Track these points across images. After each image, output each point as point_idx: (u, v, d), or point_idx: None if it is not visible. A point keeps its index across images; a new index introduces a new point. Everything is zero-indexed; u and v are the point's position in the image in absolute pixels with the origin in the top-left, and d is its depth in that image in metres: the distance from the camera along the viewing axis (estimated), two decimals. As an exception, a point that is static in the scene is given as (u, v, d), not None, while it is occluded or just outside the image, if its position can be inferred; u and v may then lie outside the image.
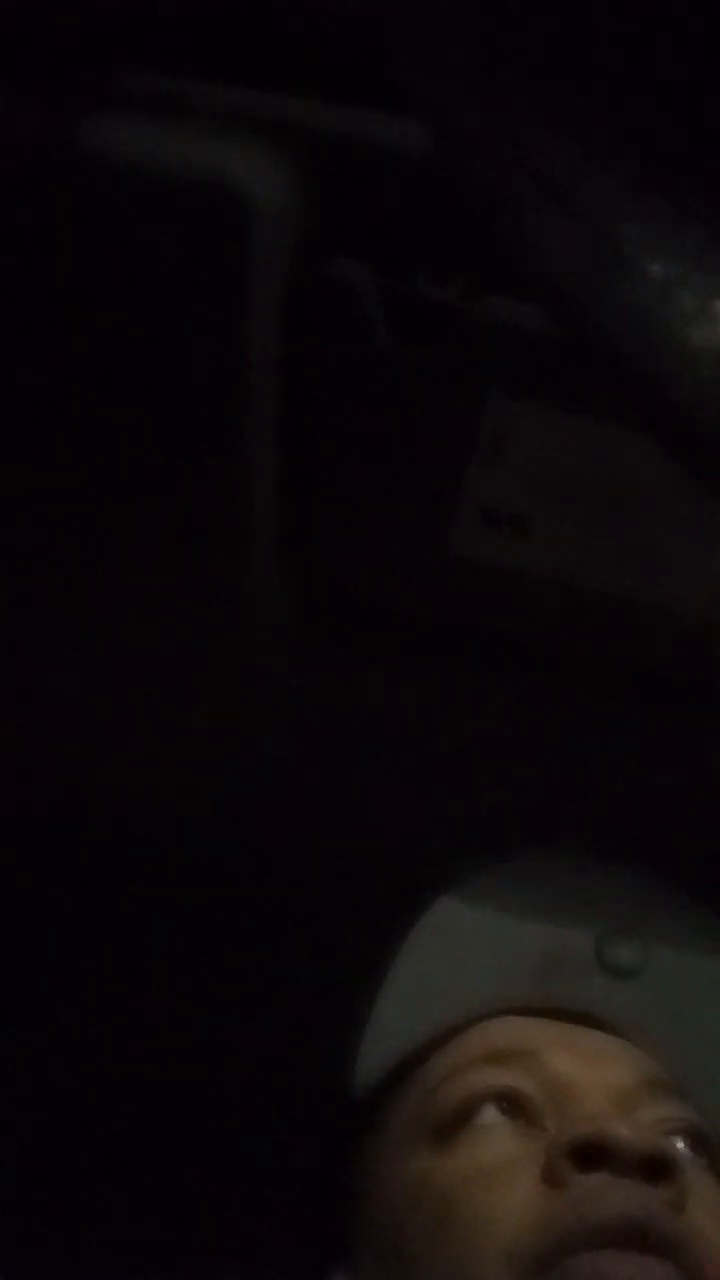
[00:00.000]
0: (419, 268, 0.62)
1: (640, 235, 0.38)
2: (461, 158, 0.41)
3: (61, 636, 0.72)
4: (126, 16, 0.60)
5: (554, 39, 0.41)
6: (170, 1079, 0.80)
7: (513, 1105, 0.64)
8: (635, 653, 0.68)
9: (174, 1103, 0.80)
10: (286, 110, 0.60)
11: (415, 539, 0.66)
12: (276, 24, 0.59)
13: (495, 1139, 0.64)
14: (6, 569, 0.69)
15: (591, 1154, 0.61)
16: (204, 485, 0.65)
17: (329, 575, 0.68)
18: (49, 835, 0.78)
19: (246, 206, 0.59)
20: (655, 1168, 0.60)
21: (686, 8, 0.41)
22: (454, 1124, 0.65)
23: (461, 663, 0.70)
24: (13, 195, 0.59)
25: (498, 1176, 0.62)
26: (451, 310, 0.62)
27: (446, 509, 0.65)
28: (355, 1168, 0.68)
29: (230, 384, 0.62)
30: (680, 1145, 0.64)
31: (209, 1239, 0.77)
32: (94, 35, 0.60)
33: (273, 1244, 0.73)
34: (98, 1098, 0.79)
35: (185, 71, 0.60)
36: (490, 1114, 0.65)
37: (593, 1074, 0.66)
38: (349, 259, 0.61)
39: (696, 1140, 0.65)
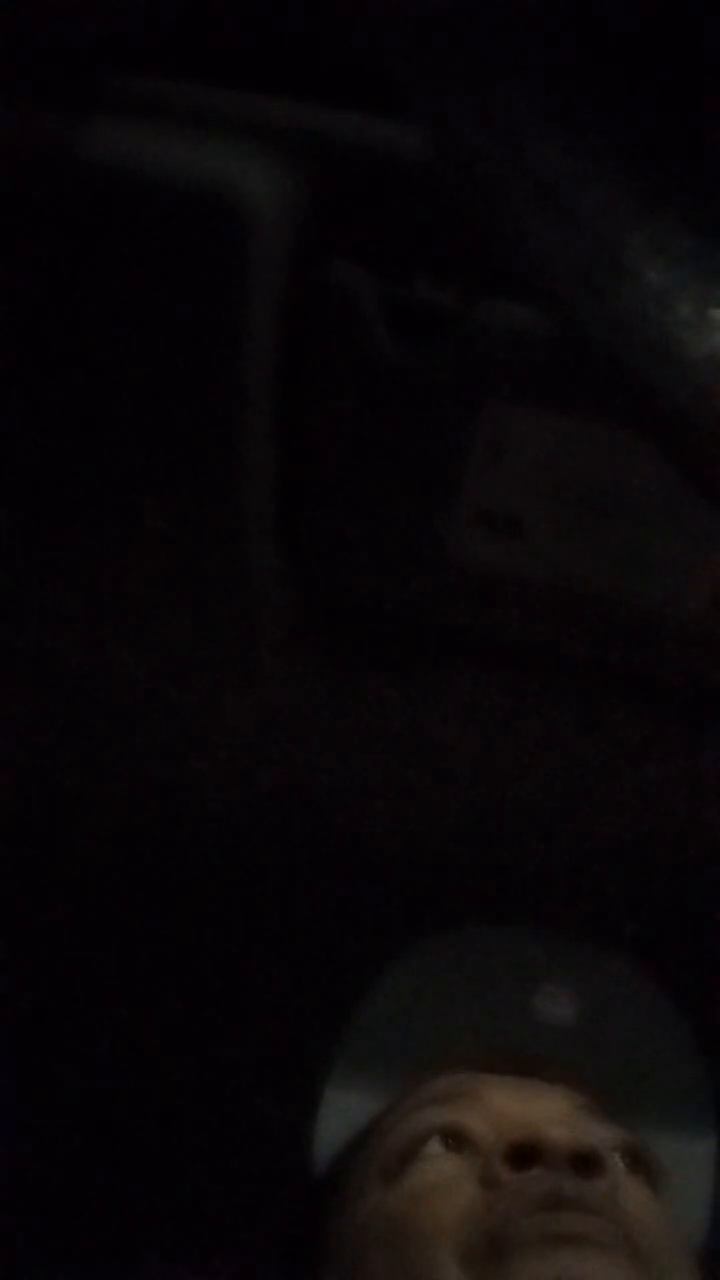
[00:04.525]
0: (417, 271, 0.62)
1: (639, 242, 0.39)
2: (460, 162, 0.41)
3: (61, 640, 0.72)
4: (126, 21, 0.60)
5: (553, 44, 0.42)
6: (149, 1103, 0.81)
7: (455, 1138, 0.67)
8: (631, 655, 0.68)
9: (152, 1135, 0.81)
10: (285, 115, 0.60)
11: (412, 541, 0.66)
12: (275, 29, 0.59)
13: (439, 1164, 0.67)
14: (5, 571, 0.69)
15: (525, 1155, 0.63)
16: (202, 488, 0.65)
17: (326, 578, 0.68)
18: (48, 836, 0.78)
19: (245, 210, 0.59)
20: (586, 1162, 0.63)
21: (686, 14, 0.41)
22: (401, 1161, 0.68)
23: (458, 665, 0.70)
24: (12, 198, 0.59)
25: (441, 1191, 0.65)
26: (450, 314, 0.62)
27: (444, 511, 0.65)
28: (319, 1231, 0.70)
29: (228, 387, 0.62)
30: (618, 1160, 0.66)
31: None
32: (94, 39, 0.60)
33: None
34: (75, 1121, 0.80)
35: (184, 76, 0.60)
36: (435, 1146, 0.68)
37: (532, 1105, 0.68)
38: (347, 263, 0.61)
39: (634, 1157, 0.67)
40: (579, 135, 0.40)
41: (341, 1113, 0.73)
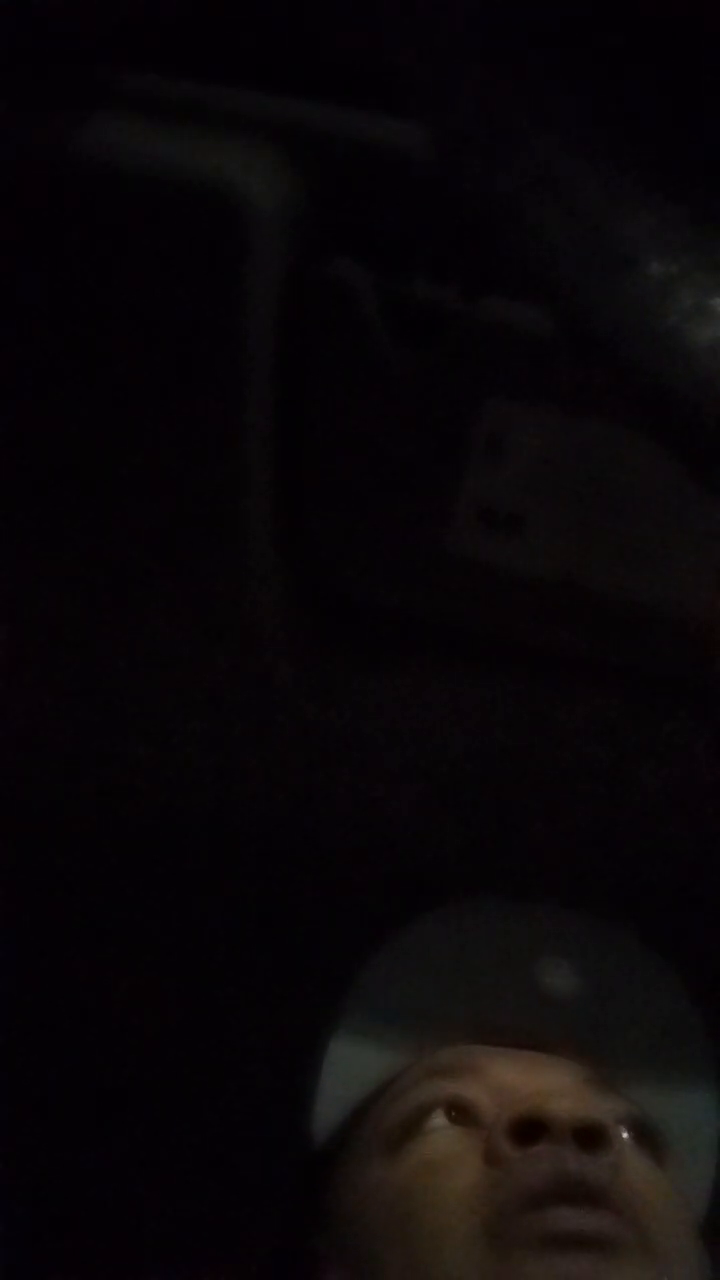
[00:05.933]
0: (417, 269, 0.62)
1: (640, 233, 0.39)
2: (461, 157, 0.41)
3: (61, 638, 0.72)
4: (126, 18, 0.60)
5: (553, 39, 0.42)
6: (153, 1092, 0.80)
7: (460, 1112, 0.67)
8: (632, 652, 0.68)
9: (156, 1122, 0.81)
10: (285, 112, 0.60)
11: (412, 539, 0.66)
12: (275, 26, 0.60)
13: (443, 1138, 0.66)
14: (5, 570, 0.69)
15: (528, 1130, 0.63)
16: (202, 485, 0.65)
17: (326, 575, 0.68)
18: (49, 834, 0.78)
19: (245, 207, 0.59)
20: (590, 1136, 0.62)
21: (686, 8, 0.42)
22: (405, 1133, 0.67)
23: (458, 662, 0.70)
24: (12, 196, 0.60)
25: (445, 1166, 0.64)
26: (449, 311, 0.62)
27: (443, 509, 0.65)
28: (318, 1201, 0.69)
29: (228, 384, 0.62)
30: (622, 1132, 0.66)
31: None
32: (94, 37, 0.60)
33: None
34: (80, 1107, 0.80)
35: (184, 73, 0.60)
36: (438, 1120, 0.67)
37: (536, 1079, 0.68)
38: (347, 260, 0.62)
39: (639, 1130, 0.67)
40: (579, 128, 0.40)
41: (342, 1084, 0.72)
